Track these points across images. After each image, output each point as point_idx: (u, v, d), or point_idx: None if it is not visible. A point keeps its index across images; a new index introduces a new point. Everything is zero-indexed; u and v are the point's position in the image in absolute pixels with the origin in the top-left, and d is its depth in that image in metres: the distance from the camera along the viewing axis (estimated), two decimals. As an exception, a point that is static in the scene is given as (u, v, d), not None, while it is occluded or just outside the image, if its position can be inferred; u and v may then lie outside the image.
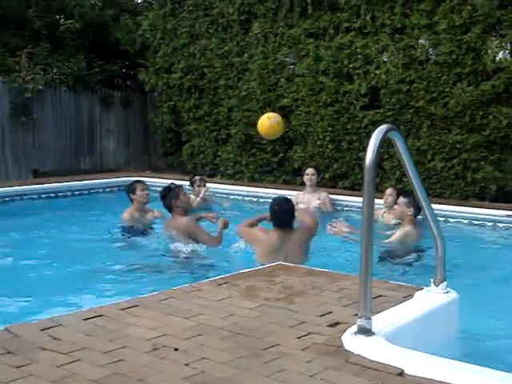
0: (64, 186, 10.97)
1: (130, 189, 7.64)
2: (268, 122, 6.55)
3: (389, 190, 8.20)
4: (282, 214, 5.85)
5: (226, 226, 6.72)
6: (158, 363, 2.97)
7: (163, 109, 13.84)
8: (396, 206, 7.25)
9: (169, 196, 6.70)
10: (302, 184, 9.53)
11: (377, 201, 8.37)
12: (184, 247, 6.45)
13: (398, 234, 6.86)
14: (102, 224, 8.22)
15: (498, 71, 9.46)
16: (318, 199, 9.16)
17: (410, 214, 6.83)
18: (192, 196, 8.95)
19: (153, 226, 7.60)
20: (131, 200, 7.59)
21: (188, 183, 9.27)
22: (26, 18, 13.90)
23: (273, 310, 3.77)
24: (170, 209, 6.77)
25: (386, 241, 6.80)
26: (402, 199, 6.96)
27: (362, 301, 3.24)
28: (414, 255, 6.62)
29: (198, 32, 13.00)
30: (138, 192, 7.53)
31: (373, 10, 10.54)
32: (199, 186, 9.05)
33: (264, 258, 5.71)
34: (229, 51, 12.52)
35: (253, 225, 6.14)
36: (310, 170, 9.38)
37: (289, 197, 6.54)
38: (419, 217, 6.84)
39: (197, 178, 9.29)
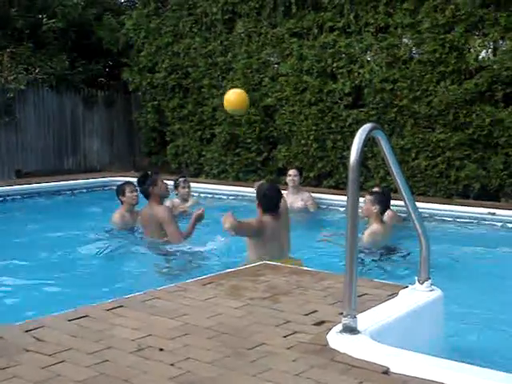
0: (48, 187, 10.92)
1: (120, 190, 7.61)
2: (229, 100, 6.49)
3: (374, 189, 8.22)
4: (274, 199, 5.83)
5: (200, 218, 6.63)
6: (143, 364, 2.96)
7: (147, 108, 13.81)
8: (362, 204, 7.25)
9: (146, 182, 6.65)
10: (287, 184, 9.53)
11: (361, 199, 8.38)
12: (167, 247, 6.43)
13: (366, 232, 6.85)
14: (86, 224, 8.18)
15: (481, 70, 9.52)
16: (302, 200, 9.17)
17: (375, 211, 6.86)
18: (177, 200, 8.93)
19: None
20: (121, 202, 7.55)
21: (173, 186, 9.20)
22: (8, 17, 13.79)
23: (258, 309, 3.77)
24: (147, 195, 6.69)
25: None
26: (368, 197, 7.00)
27: (347, 299, 3.25)
28: (383, 252, 6.64)
29: (182, 31, 12.98)
30: (128, 194, 7.50)
31: (356, 9, 10.59)
32: (183, 187, 8.98)
33: (263, 247, 5.66)
34: (212, 50, 12.52)
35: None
36: (292, 171, 9.36)
37: None
38: (404, 215, 6.87)
39: (180, 180, 9.15)
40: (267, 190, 5.90)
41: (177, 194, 8.99)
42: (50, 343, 3.18)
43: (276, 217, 5.86)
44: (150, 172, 6.92)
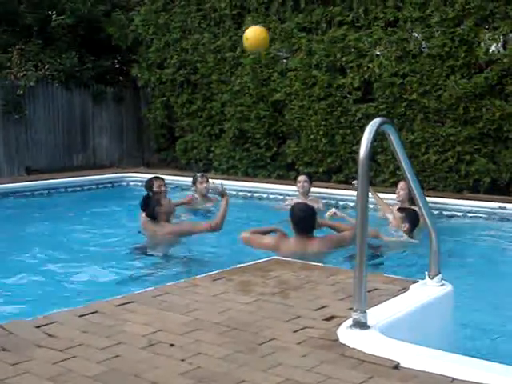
0: (57, 183, 10.94)
1: (148, 185, 7.59)
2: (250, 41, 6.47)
3: (401, 184, 8.06)
4: (305, 221, 5.75)
5: (225, 195, 6.54)
6: (153, 359, 2.97)
7: (156, 104, 13.81)
8: (391, 218, 7.17)
9: (151, 204, 6.52)
10: (296, 179, 9.45)
11: (389, 196, 8.28)
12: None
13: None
14: (97, 220, 8.21)
15: (491, 64, 9.47)
16: None
17: (405, 229, 6.73)
18: (195, 195, 8.93)
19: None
20: None
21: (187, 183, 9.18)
22: (17, 14, 13.82)
23: (268, 304, 3.77)
24: (154, 217, 6.55)
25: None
26: (396, 213, 6.92)
27: (357, 294, 3.25)
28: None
29: (191, 27, 12.97)
30: (155, 189, 7.47)
31: (365, 3, 10.53)
32: (201, 182, 8.95)
33: None
34: (221, 46, 12.49)
35: (260, 234, 5.95)
36: (301, 177, 9.04)
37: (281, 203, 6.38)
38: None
39: (198, 175, 9.14)
40: (298, 210, 5.83)
41: (195, 190, 8.99)
42: (61, 339, 3.20)
43: (308, 240, 5.75)
44: (149, 194, 6.82)
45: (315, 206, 8.74)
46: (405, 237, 6.72)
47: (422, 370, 2.84)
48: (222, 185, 6.79)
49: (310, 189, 8.98)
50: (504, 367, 2.86)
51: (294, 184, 9.31)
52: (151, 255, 6.36)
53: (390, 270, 5.25)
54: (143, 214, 6.77)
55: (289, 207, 6.37)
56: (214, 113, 12.78)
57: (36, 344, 3.13)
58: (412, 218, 6.67)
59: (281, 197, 9.89)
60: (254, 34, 6.44)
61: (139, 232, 7.02)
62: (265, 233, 5.99)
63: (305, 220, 5.75)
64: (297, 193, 9.01)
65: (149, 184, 7.58)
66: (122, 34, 14.16)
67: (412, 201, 7.67)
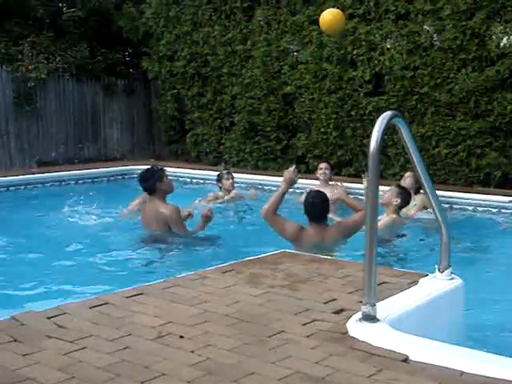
0: (68, 175, 10.99)
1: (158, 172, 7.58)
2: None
3: (408, 172, 8.09)
4: (318, 207, 5.74)
5: (208, 219, 6.51)
6: (163, 350, 2.98)
7: (167, 97, 13.83)
8: (386, 192, 7.20)
9: (152, 178, 6.49)
10: (306, 172, 9.45)
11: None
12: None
13: (385, 220, 6.77)
14: (106, 212, 8.22)
15: (503, 57, 9.42)
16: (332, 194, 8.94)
17: (395, 203, 6.77)
18: (220, 193, 8.94)
19: None
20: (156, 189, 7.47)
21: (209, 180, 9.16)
22: (28, 7, 13.85)
23: (278, 297, 3.78)
24: (153, 191, 6.51)
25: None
26: (394, 188, 6.95)
27: (367, 287, 3.25)
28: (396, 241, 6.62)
29: (201, 19, 12.96)
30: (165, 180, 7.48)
31: (376, -5, 10.50)
32: (227, 179, 8.93)
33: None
34: (232, 38, 12.48)
35: (278, 204, 5.82)
36: (323, 165, 9.05)
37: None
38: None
39: (223, 172, 9.10)
40: (312, 197, 5.81)
41: (220, 188, 8.99)
42: (71, 330, 3.22)
43: (322, 228, 5.75)
44: (154, 167, 6.77)
45: (334, 191, 8.78)
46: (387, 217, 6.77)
47: (431, 364, 2.84)
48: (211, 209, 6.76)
49: (331, 176, 9.01)
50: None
51: (305, 177, 9.29)
52: (160, 247, 6.37)
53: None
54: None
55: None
56: (224, 105, 12.79)
57: (47, 335, 3.15)
58: (405, 197, 6.83)
59: (290, 190, 9.86)
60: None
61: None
62: (279, 200, 5.83)
63: (316, 206, 5.75)
64: (317, 182, 9.00)
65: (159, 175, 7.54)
66: (133, 27, 14.18)
67: (417, 191, 7.72)
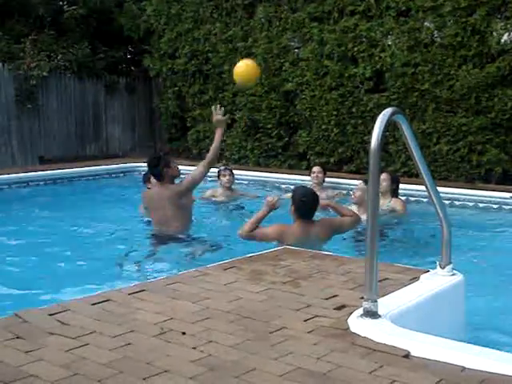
0: (70, 173, 11.00)
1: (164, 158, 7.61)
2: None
3: (383, 175, 8.06)
4: (308, 205, 5.73)
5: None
6: (165, 347, 2.99)
7: (168, 94, 13.84)
8: (356, 191, 7.22)
9: (160, 164, 6.54)
10: (307, 169, 9.45)
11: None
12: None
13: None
14: (108, 210, 8.24)
15: (503, 53, 9.42)
16: (326, 196, 8.93)
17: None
18: (219, 189, 8.94)
19: None
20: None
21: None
22: (30, 5, 13.86)
23: (279, 293, 3.79)
24: (160, 177, 6.57)
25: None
26: (362, 185, 6.94)
27: (368, 283, 3.25)
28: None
29: (202, 17, 12.96)
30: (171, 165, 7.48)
31: (377, -8, 10.49)
32: (224, 175, 8.93)
33: None
34: (233, 36, 12.48)
35: (257, 224, 5.78)
36: (316, 169, 9.05)
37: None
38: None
39: (221, 168, 9.05)
40: (303, 194, 5.81)
41: (220, 184, 8.99)
42: (74, 327, 3.23)
43: (307, 224, 5.76)
44: (161, 153, 6.87)
45: (327, 193, 8.82)
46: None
47: (432, 359, 2.85)
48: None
49: (324, 179, 9.00)
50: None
51: (306, 174, 9.31)
52: (163, 243, 6.39)
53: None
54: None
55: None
56: (225, 103, 12.76)
57: (49, 332, 3.16)
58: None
59: (292, 186, 9.88)
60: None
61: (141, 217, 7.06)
62: (258, 221, 5.80)
63: (307, 205, 5.76)
64: (311, 183, 9.00)
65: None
66: (134, 25, 14.19)
67: (393, 193, 7.75)
